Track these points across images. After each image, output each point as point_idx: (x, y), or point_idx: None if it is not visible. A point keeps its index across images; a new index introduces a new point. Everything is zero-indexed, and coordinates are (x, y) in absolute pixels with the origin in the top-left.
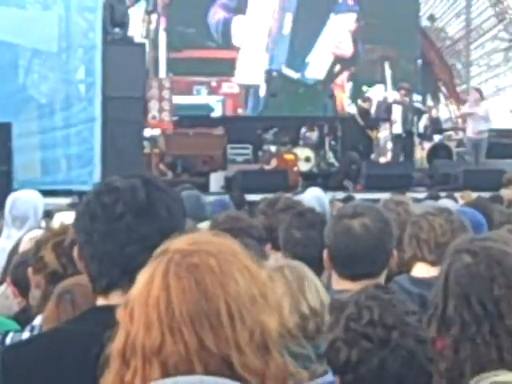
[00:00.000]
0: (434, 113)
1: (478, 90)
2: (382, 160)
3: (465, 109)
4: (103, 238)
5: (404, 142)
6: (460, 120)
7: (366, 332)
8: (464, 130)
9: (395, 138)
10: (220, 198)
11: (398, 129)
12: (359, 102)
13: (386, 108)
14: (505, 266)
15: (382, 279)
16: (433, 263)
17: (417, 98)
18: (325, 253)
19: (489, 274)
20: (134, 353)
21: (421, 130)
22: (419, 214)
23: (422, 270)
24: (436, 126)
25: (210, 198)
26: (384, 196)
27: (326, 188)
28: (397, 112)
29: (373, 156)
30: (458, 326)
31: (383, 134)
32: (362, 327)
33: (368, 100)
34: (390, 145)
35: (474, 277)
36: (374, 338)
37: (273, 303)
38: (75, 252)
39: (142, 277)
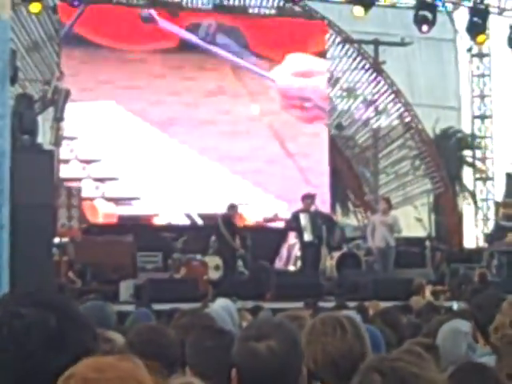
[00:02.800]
0: (341, 221)
1: (387, 199)
2: (291, 268)
3: (373, 218)
4: (13, 373)
5: (313, 250)
6: (369, 229)
7: None
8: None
9: (305, 246)
10: (141, 310)
11: (308, 236)
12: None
13: (293, 216)
14: None
15: None
16: None
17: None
18: (233, 372)
19: None
20: None
21: (330, 238)
22: (310, 331)
23: None
24: (343, 234)
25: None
26: (293, 305)
27: (235, 297)
28: (304, 220)
29: (280, 264)
30: None
31: (292, 241)
32: None
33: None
34: (298, 253)
35: None
36: None
37: None
38: None
39: None
